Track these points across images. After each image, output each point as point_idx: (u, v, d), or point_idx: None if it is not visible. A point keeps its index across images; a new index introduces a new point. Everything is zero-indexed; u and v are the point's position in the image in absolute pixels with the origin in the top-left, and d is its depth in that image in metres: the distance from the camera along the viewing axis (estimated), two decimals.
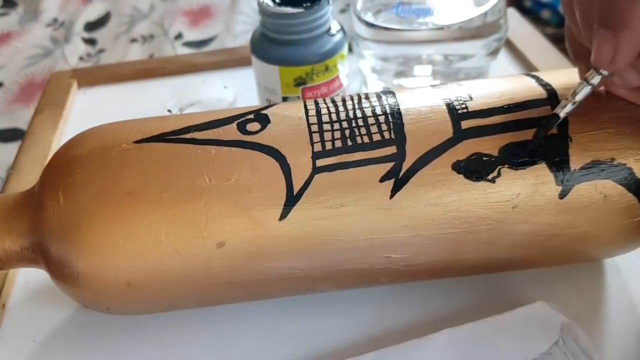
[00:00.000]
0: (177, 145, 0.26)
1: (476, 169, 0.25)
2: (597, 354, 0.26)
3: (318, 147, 0.26)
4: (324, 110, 0.27)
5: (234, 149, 0.26)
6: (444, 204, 0.26)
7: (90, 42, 1.08)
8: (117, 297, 0.27)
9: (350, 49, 0.44)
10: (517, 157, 0.25)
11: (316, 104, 0.28)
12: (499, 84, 0.28)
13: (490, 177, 0.25)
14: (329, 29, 0.40)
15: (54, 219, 0.25)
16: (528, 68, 0.49)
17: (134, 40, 1.07)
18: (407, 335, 0.27)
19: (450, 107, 0.27)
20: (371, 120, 0.27)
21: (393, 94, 0.28)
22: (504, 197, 0.26)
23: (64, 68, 0.90)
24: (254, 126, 0.27)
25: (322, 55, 0.39)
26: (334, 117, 0.27)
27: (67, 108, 0.49)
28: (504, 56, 0.51)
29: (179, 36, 1.07)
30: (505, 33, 0.44)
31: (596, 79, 0.24)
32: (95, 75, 0.54)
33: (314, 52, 0.39)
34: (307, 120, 0.27)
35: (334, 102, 0.28)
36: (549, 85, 0.27)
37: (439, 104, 0.27)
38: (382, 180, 0.25)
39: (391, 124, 0.26)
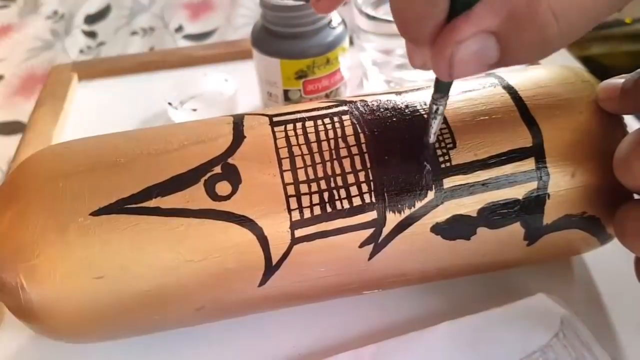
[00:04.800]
0: (142, 218, 0.23)
1: (455, 231, 0.25)
2: (596, 347, 0.26)
3: (296, 216, 0.24)
4: (299, 163, 0.24)
5: (205, 221, 0.24)
6: (420, 260, 0.26)
7: (91, 34, 1.07)
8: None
9: (351, 42, 0.44)
10: (497, 219, 0.25)
11: (290, 152, 0.25)
12: (486, 119, 0.26)
13: (467, 236, 0.26)
14: (330, 21, 0.40)
15: (22, 304, 0.24)
16: None
17: (134, 33, 1.06)
18: (406, 327, 0.28)
19: (433, 160, 0.25)
20: (350, 179, 0.24)
21: (372, 131, 0.25)
22: (477, 251, 0.26)
23: (65, 61, 0.90)
24: (224, 188, 0.24)
25: (323, 48, 0.39)
26: (310, 174, 0.24)
27: (67, 101, 0.49)
28: None
29: (179, 29, 1.07)
30: None
31: (440, 108, 0.23)
32: (95, 68, 0.54)
33: (315, 44, 0.39)
34: (282, 179, 0.24)
35: (309, 148, 0.25)
36: (536, 125, 0.25)
37: (421, 154, 0.25)
38: (361, 246, 0.25)
39: (372, 184, 0.24)
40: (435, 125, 0.24)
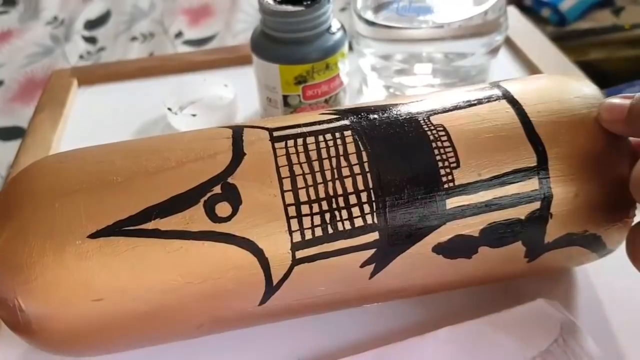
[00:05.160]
0: (140, 241, 0.23)
1: (457, 251, 0.25)
2: (596, 353, 0.26)
3: (297, 237, 0.24)
4: (300, 183, 0.24)
5: (205, 243, 0.23)
6: (420, 278, 0.26)
7: (91, 40, 1.08)
8: None
9: (350, 47, 0.44)
10: (498, 238, 0.25)
11: (291, 171, 0.24)
12: (491, 136, 0.25)
13: (468, 255, 0.26)
14: (330, 27, 0.40)
15: (20, 323, 0.24)
16: (528, 66, 0.49)
17: (134, 39, 1.07)
18: (407, 333, 0.28)
19: (436, 179, 0.24)
20: (352, 200, 0.24)
21: (375, 149, 0.25)
22: (478, 268, 0.26)
23: (64, 66, 0.90)
24: (224, 209, 0.24)
25: (323, 54, 0.39)
26: (312, 194, 0.24)
27: (67, 106, 0.49)
28: (504, 55, 0.51)
29: (179, 34, 1.07)
30: (505, 31, 0.44)
31: None
32: (95, 74, 0.54)
33: (315, 50, 0.39)
34: (283, 200, 0.24)
35: (311, 167, 0.24)
36: (541, 144, 0.25)
37: (423, 173, 0.24)
38: (362, 266, 0.25)
39: (373, 204, 0.24)
40: None
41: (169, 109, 0.45)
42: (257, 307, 0.25)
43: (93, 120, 0.48)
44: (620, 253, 0.25)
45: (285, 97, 0.41)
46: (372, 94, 0.47)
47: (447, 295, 0.30)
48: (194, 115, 0.44)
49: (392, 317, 0.30)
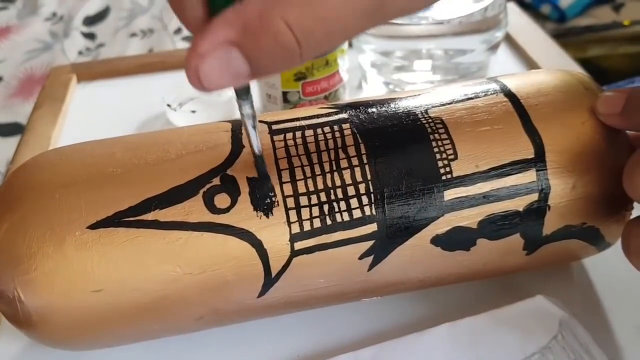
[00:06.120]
0: (140, 232, 0.23)
1: (455, 243, 0.25)
2: (595, 349, 0.26)
3: (296, 228, 0.24)
4: (298, 175, 0.24)
5: (204, 234, 0.23)
6: (419, 270, 0.26)
7: (90, 36, 1.07)
8: None
9: (350, 44, 0.44)
10: (496, 230, 0.25)
11: (290, 163, 0.24)
12: (488, 129, 0.25)
13: (466, 247, 0.26)
14: None
15: (20, 315, 0.24)
16: (528, 63, 0.49)
17: (133, 35, 1.06)
18: (406, 329, 0.28)
19: (434, 171, 0.25)
20: (351, 191, 0.24)
21: (373, 141, 0.25)
22: (477, 261, 0.27)
23: (63, 62, 0.90)
24: (223, 200, 0.24)
25: None
26: (310, 186, 0.24)
27: (66, 102, 0.49)
28: (503, 51, 0.51)
29: (178, 30, 1.07)
30: (505, 28, 0.44)
31: (245, 109, 0.22)
32: (94, 70, 0.54)
33: None
34: (282, 192, 0.24)
35: (309, 159, 0.25)
36: (538, 136, 0.25)
37: (422, 166, 0.25)
38: (361, 257, 0.25)
39: (372, 195, 0.24)
40: (250, 130, 0.23)
41: (169, 105, 0.45)
42: (256, 299, 0.25)
43: (92, 116, 0.48)
44: (618, 249, 0.25)
45: (284, 94, 0.41)
46: (372, 91, 0.47)
47: (446, 291, 0.30)
48: (193, 111, 0.44)
49: (391, 313, 0.30)
